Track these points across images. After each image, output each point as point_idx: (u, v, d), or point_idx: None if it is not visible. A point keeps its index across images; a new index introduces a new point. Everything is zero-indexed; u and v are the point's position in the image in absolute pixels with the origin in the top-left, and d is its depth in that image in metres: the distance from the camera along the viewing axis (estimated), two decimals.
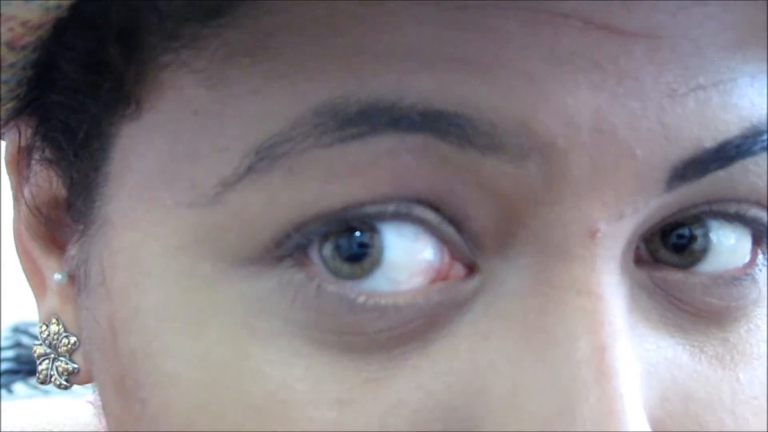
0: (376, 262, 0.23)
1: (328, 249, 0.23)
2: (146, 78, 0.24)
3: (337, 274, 0.23)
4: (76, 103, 0.26)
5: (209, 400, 0.23)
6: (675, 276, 0.25)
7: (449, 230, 0.23)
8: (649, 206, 0.23)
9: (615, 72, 0.22)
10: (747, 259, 0.25)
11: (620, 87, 0.22)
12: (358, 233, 0.23)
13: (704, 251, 0.25)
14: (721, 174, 0.24)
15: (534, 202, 0.22)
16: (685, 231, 0.25)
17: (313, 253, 0.23)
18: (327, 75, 0.22)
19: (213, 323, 0.23)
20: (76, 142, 0.26)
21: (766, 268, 0.26)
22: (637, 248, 0.24)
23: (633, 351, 0.23)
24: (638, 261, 0.24)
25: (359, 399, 0.23)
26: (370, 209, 0.22)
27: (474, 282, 0.23)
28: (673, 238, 0.25)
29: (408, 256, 0.23)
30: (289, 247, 0.23)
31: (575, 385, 0.22)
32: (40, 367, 0.30)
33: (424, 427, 0.23)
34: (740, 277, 0.25)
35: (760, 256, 0.26)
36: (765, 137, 0.24)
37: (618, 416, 0.22)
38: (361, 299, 0.23)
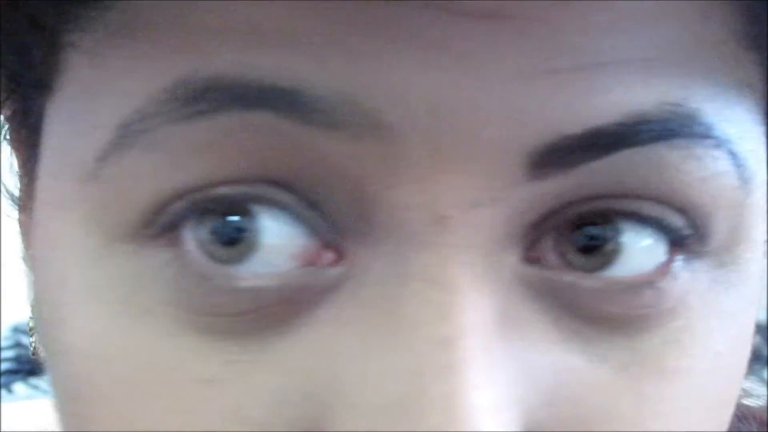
0: (253, 246, 0.23)
1: (203, 232, 0.23)
2: (52, 60, 0.25)
3: (213, 257, 0.23)
4: (14, 85, 0.27)
5: (92, 372, 0.24)
6: (578, 280, 0.24)
7: (310, 214, 0.23)
8: (513, 194, 0.22)
9: (453, 52, 0.21)
10: (658, 264, 0.24)
11: (458, 68, 0.21)
12: (233, 217, 0.23)
13: (614, 254, 0.24)
14: (604, 165, 0.22)
15: (381, 184, 0.22)
16: (594, 231, 0.24)
17: (187, 235, 0.23)
18: (178, 53, 0.22)
19: (99, 298, 0.24)
20: (23, 124, 0.28)
21: (688, 276, 0.24)
22: (535, 246, 0.23)
23: (500, 348, 0.22)
24: (534, 260, 0.23)
25: (220, 380, 0.23)
26: (223, 189, 0.23)
27: (340, 269, 0.23)
28: (582, 239, 0.24)
29: (282, 240, 0.23)
30: (159, 226, 0.23)
31: (416, 377, 0.21)
32: (31, 339, 0.31)
33: (280, 411, 0.23)
34: (650, 284, 0.24)
35: (678, 263, 0.24)
36: (653, 126, 0.22)
37: (458, 411, 0.21)
38: (228, 282, 0.23)
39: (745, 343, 0.26)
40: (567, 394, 0.23)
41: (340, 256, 0.23)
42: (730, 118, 0.24)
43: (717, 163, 0.23)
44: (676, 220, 0.24)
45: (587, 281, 0.24)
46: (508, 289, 0.23)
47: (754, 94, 0.25)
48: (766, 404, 0.42)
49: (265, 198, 0.23)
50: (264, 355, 0.23)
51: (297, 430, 0.23)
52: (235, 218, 0.23)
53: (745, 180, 0.24)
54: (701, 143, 0.23)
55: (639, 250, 0.24)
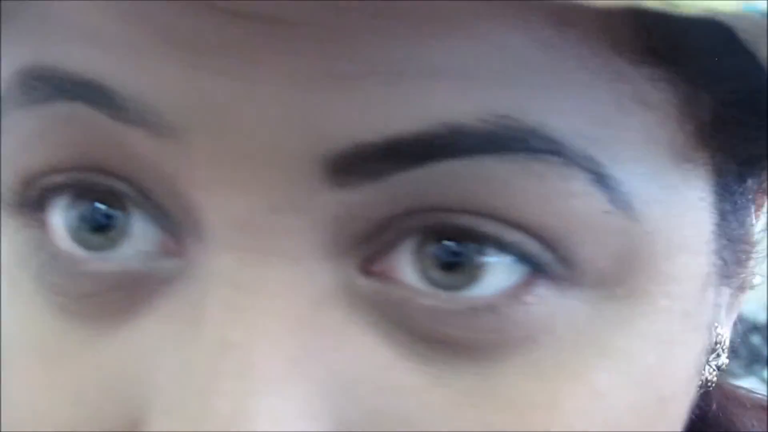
0: (122, 234, 0.24)
1: (72, 217, 0.24)
2: None
3: (81, 242, 0.24)
4: None
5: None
6: (420, 299, 0.23)
7: (147, 204, 0.23)
8: (316, 202, 0.22)
9: (236, 56, 0.21)
10: (507, 288, 0.23)
11: (240, 71, 0.21)
12: (100, 205, 0.24)
13: (475, 274, 0.23)
14: (422, 176, 0.21)
15: (186, 183, 0.22)
16: (452, 247, 0.23)
17: (56, 219, 0.24)
18: (28, 42, 0.23)
19: (3, 264, 0.25)
20: None
21: (552, 304, 0.23)
22: (378, 259, 0.23)
23: (304, 357, 0.22)
24: (375, 273, 0.23)
25: (64, 361, 0.24)
26: (53, 178, 0.24)
27: (179, 262, 0.23)
28: (442, 255, 0.23)
29: (146, 229, 0.24)
30: (24, 206, 0.24)
31: (206, 378, 0.22)
32: None
33: (114, 395, 0.23)
34: (494, 308, 0.22)
35: (541, 290, 0.23)
36: (472, 138, 0.21)
37: (219, 410, 0.21)
38: (74, 266, 0.24)
39: (651, 388, 0.24)
40: (394, 414, 0.22)
41: (181, 249, 0.23)
42: (598, 137, 0.22)
43: (568, 182, 0.22)
44: (524, 241, 0.22)
45: (430, 301, 0.23)
46: (326, 299, 0.23)
47: (652, 112, 0.23)
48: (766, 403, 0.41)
49: (105, 188, 0.24)
50: (106, 338, 0.24)
51: (130, 415, 0.23)
52: (102, 206, 0.24)
53: (623, 205, 0.23)
54: (542, 159, 0.22)
55: (492, 270, 0.23)
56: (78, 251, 0.24)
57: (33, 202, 0.24)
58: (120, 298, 0.24)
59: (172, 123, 0.22)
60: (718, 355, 0.30)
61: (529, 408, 0.23)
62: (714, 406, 0.36)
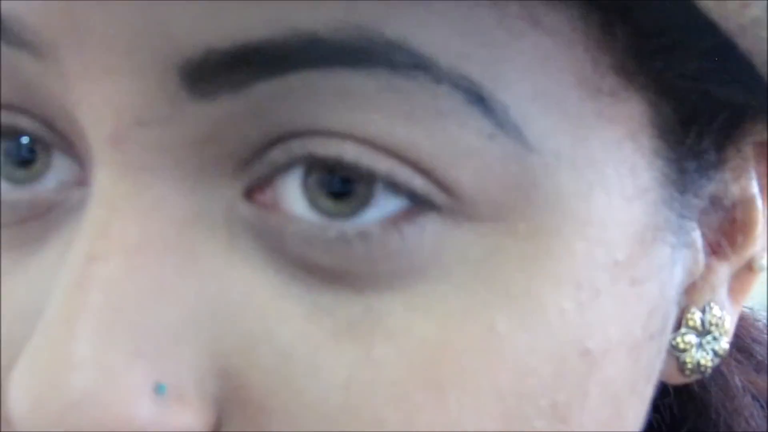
0: (45, 167, 0.24)
1: None
2: None
3: (10, 179, 0.24)
4: None
5: None
6: (300, 227, 0.22)
7: (56, 136, 0.24)
8: (179, 114, 0.21)
9: None
10: (389, 215, 0.22)
11: None
12: (24, 138, 0.24)
13: (356, 203, 0.22)
14: (280, 87, 0.21)
15: (68, 102, 0.22)
16: (325, 181, 0.22)
17: None
18: None
19: None
20: None
21: (438, 235, 0.22)
22: (263, 185, 0.22)
23: (167, 276, 0.22)
24: (259, 200, 0.22)
25: None
26: None
27: (84, 190, 0.23)
28: (320, 186, 0.22)
29: (64, 162, 0.24)
30: None
31: (56, 289, 0.22)
32: None
33: (21, 329, 0.23)
34: (374, 236, 0.22)
35: (425, 220, 0.22)
36: (326, 48, 0.20)
37: (68, 326, 0.21)
38: (4, 196, 0.24)
39: (570, 338, 0.23)
40: (274, 343, 0.22)
41: (87, 177, 0.23)
42: (477, 56, 0.21)
43: (438, 100, 0.21)
44: (396, 169, 0.21)
45: (307, 228, 0.22)
46: (202, 221, 0.22)
47: (549, 36, 0.22)
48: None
49: (23, 127, 0.24)
50: (20, 267, 0.24)
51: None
52: (26, 140, 0.24)
53: (511, 130, 0.22)
54: (407, 75, 0.21)
55: (379, 199, 0.22)
56: (4, 185, 0.24)
57: None
58: (35, 228, 0.24)
59: (47, 40, 0.22)
60: (715, 339, 0.28)
61: (417, 342, 0.22)
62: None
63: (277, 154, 0.22)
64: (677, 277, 0.26)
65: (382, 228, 0.22)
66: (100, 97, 0.22)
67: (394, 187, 0.22)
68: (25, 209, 0.24)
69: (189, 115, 0.22)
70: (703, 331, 0.27)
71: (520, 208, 0.22)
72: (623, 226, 0.23)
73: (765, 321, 0.39)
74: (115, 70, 0.21)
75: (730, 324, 0.28)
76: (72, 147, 0.24)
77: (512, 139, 0.22)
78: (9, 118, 0.24)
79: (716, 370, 0.32)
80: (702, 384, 0.34)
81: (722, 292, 0.28)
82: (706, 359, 0.28)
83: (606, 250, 0.23)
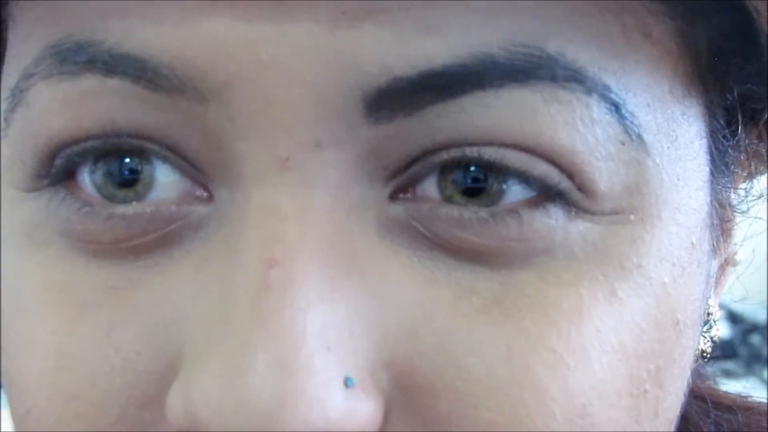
0: (148, 187, 0.25)
1: (99, 175, 0.25)
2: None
3: (111, 199, 0.25)
4: None
5: (3, 302, 0.26)
6: (445, 210, 0.24)
7: (181, 162, 0.24)
8: (356, 137, 0.23)
9: (270, 2, 0.22)
10: (524, 198, 0.24)
11: (276, 14, 0.22)
12: (127, 159, 0.25)
13: (495, 197, 0.24)
14: (453, 108, 0.23)
15: (230, 137, 0.23)
16: (463, 178, 0.24)
17: (82, 177, 0.25)
18: (59, 18, 0.24)
19: (10, 240, 0.26)
20: None
21: (565, 219, 0.24)
22: (409, 188, 0.24)
23: (345, 277, 0.23)
24: (404, 200, 0.24)
25: (97, 304, 0.25)
26: (82, 146, 0.24)
27: (208, 208, 0.24)
28: (463, 182, 0.24)
29: (161, 181, 0.25)
30: (48, 176, 0.25)
31: (234, 295, 0.22)
32: None
33: (150, 339, 0.24)
34: (523, 213, 0.24)
35: (556, 209, 0.24)
36: (500, 68, 0.22)
37: (259, 328, 0.22)
38: (107, 210, 0.25)
39: (667, 306, 0.26)
40: (432, 326, 0.23)
41: (210, 198, 0.24)
42: (611, 68, 0.24)
43: (591, 109, 0.23)
44: (548, 172, 0.23)
45: (453, 210, 0.24)
46: (360, 225, 0.24)
47: (655, 45, 0.25)
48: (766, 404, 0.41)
49: (138, 149, 0.24)
50: (139, 284, 0.24)
51: (166, 359, 0.24)
52: (129, 160, 0.25)
53: (633, 136, 0.24)
54: (566, 87, 0.23)
55: (510, 193, 0.24)
56: (107, 203, 0.25)
57: (56, 173, 0.25)
58: (152, 242, 0.24)
59: (216, 83, 0.23)
60: (710, 327, 0.31)
61: (557, 311, 0.24)
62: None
63: (429, 161, 0.24)
64: (712, 263, 0.29)
65: (527, 206, 0.24)
66: (275, 125, 0.23)
67: (542, 187, 0.24)
68: (141, 222, 0.24)
69: (363, 137, 0.23)
70: (704, 321, 0.31)
71: (633, 202, 0.25)
72: (696, 214, 0.27)
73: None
74: (296, 100, 0.22)
75: (718, 313, 0.32)
76: (194, 167, 0.24)
77: (636, 145, 0.24)
78: (129, 142, 0.24)
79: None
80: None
81: (712, 285, 0.31)
82: (706, 345, 0.31)
83: (687, 233, 0.26)
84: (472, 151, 0.23)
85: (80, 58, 0.23)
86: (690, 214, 0.26)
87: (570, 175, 0.24)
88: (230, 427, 0.21)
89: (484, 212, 0.24)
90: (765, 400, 0.40)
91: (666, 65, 0.25)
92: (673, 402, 0.27)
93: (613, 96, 0.24)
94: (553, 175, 0.24)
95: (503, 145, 0.23)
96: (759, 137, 0.30)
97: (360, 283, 0.23)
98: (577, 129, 0.23)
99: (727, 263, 0.32)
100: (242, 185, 0.23)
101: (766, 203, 0.34)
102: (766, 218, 0.35)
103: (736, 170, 0.30)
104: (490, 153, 0.23)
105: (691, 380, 0.35)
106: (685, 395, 0.28)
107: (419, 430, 0.23)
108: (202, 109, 0.23)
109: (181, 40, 0.23)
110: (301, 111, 0.23)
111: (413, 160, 0.24)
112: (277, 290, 0.22)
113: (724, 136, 0.28)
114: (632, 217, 0.25)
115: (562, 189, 0.24)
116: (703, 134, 0.27)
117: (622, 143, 0.24)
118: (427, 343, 0.23)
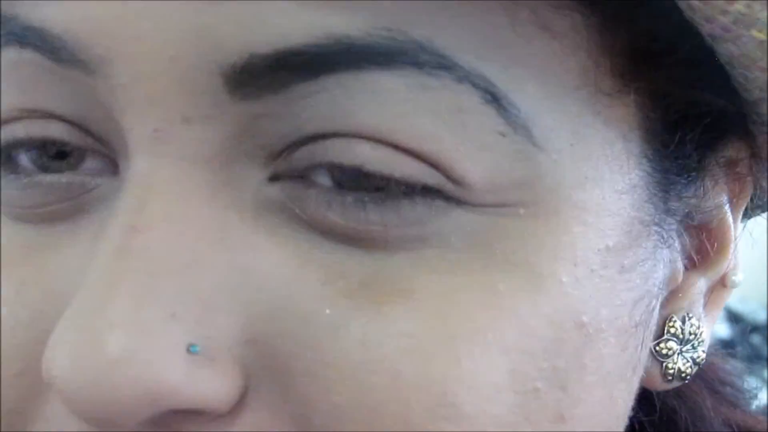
0: (80, 158, 0.26)
1: (33, 152, 0.26)
2: None
3: (45, 170, 0.26)
4: None
5: None
6: (317, 194, 0.24)
7: (88, 141, 0.25)
8: (222, 113, 0.23)
9: None
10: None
11: None
12: (56, 137, 0.26)
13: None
14: (316, 88, 0.23)
15: (115, 110, 0.24)
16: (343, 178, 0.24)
17: (20, 155, 0.26)
18: None
19: None
20: None
21: (440, 209, 0.23)
22: (283, 169, 0.24)
23: (207, 249, 0.23)
24: (279, 180, 0.24)
25: (11, 263, 0.26)
26: (13, 130, 0.26)
27: (114, 180, 0.25)
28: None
29: (95, 156, 0.26)
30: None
31: (96, 259, 0.23)
32: None
33: (50, 301, 0.25)
34: (389, 201, 0.23)
35: (428, 197, 0.23)
36: (359, 50, 0.22)
37: (108, 290, 0.22)
38: (31, 179, 0.26)
39: (567, 308, 0.24)
40: (296, 307, 0.23)
41: (117, 170, 0.25)
42: (492, 57, 0.23)
43: (460, 98, 0.23)
44: (419, 171, 0.23)
45: (325, 194, 0.24)
46: (234, 203, 0.24)
47: (557, 40, 0.24)
48: (766, 404, 0.40)
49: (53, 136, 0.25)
50: (50, 247, 0.26)
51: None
52: (58, 138, 0.26)
53: (521, 129, 0.23)
54: (433, 74, 0.23)
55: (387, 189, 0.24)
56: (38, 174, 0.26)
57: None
58: (66, 209, 0.26)
59: (99, 56, 0.23)
60: (694, 347, 0.29)
61: (425, 297, 0.23)
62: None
63: (302, 156, 0.24)
64: (659, 273, 0.28)
65: (394, 200, 0.23)
66: (146, 99, 0.23)
67: (409, 185, 0.23)
68: (57, 191, 0.26)
69: (230, 113, 0.23)
70: (683, 340, 0.29)
71: (523, 196, 0.24)
72: (614, 217, 0.25)
73: (732, 362, 0.40)
74: (162, 75, 0.23)
75: (706, 335, 0.30)
76: (104, 145, 0.25)
77: (521, 137, 0.24)
78: (36, 127, 0.25)
79: (689, 397, 0.34)
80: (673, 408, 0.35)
81: (699, 305, 0.30)
82: (686, 366, 0.30)
83: (599, 235, 0.25)
84: (335, 152, 0.23)
85: (2, 31, 0.24)
86: (603, 217, 0.25)
87: (436, 164, 0.23)
88: (71, 386, 0.22)
89: (349, 197, 0.23)
90: None
91: (573, 61, 0.24)
92: (592, 410, 0.26)
93: (489, 86, 0.23)
94: (418, 174, 0.23)
95: (362, 137, 0.23)
96: (742, 150, 0.28)
97: (227, 259, 0.23)
98: (442, 117, 0.23)
99: (722, 284, 0.30)
100: (130, 157, 0.24)
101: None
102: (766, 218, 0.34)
103: (701, 181, 0.28)
104: (350, 159, 0.23)
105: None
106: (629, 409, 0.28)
107: (280, 409, 0.23)
108: (92, 81, 0.24)
109: (71, 15, 0.23)
110: (167, 85, 0.23)
111: (287, 147, 0.24)
112: (133, 256, 0.23)
113: (664, 143, 0.26)
114: (522, 211, 0.24)
115: (431, 184, 0.23)
116: (631, 137, 0.26)
117: (502, 135, 0.23)
118: (289, 325, 0.23)
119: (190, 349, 0.22)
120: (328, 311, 0.23)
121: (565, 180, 0.24)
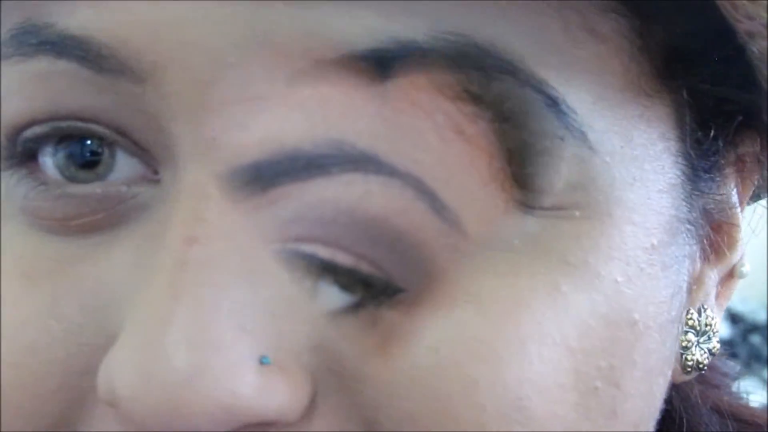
0: (109, 168, 0.25)
1: (61, 157, 0.25)
2: None
3: (73, 180, 0.25)
4: None
5: None
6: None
7: (126, 142, 0.25)
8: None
9: None
10: None
11: None
12: (88, 141, 0.25)
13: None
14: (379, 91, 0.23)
15: (166, 118, 0.23)
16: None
17: (45, 159, 0.25)
18: (19, 3, 0.24)
19: None
20: None
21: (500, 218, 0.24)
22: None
23: (267, 258, 0.23)
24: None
25: (46, 277, 0.25)
26: (36, 129, 0.25)
27: (156, 188, 0.24)
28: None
29: (128, 163, 0.25)
30: (11, 158, 0.26)
31: (155, 272, 0.23)
32: None
33: (92, 314, 0.24)
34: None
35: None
36: (424, 53, 0.22)
37: (172, 304, 0.22)
38: (61, 189, 0.25)
39: (620, 305, 0.25)
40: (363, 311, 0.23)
41: (158, 178, 0.25)
42: (549, 62, 0.23)
43: (524, 103, 0.23)
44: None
45: None
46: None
47: (604, 43, 0.24)
48: (766, 404, 0.41)
49: (87, 131, 0.25)
50: (85, 259, 0.25)
51: (106, 331, 0.24)
52: (91, 142, 0.25)
53: (575, 132, 0.24)
54: (497, 78, 0.23)
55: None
56: (69, 183, 0.25)
57: (20, 153, 0.25)
58: (102, 220, 0.25)
59: (148, 64, 0.23)
60: (709, 338, 0.30)
61: (492, 302, 0.23)
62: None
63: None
64: (688, 268, 0.29)
65: None
66: (202, 106, 0.23)
67: None
68: (92, 202, 0.25)
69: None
70: (700, 331, 0.30)
71: (578, 199, 0.24)
72: (658, 216, 0.26)
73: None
74: (221, 81, 0.22)
75: (719, 325, 0.31)
76: (143, 150, 0.24)
77: (578, 141, 0.24)
78: (79, 126, 0.25)
79: (679, 386, 0.34)
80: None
81: (712, 296, 0.31)
82: (703, 357, 0.30)
83: (646, 234, 0.26)
84: None
85: (34, 40, 0.24)
86: (649, 216, 0.26)
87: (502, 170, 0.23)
88: (140, 402, 0.21)
89: None
90: None
91: (618, 63, 0.25)
92: (638, 405, 0.26)
93: (549, 90, 0.23)
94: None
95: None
96: (752, 144, 0.29)
97: (269, 281, 0.23)
98: (509, 122, 0.23)
99: (731, 275, 0.31)
100: (178, 166, 0.24)
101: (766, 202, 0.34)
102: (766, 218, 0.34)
103: (721, 177, 0.29)
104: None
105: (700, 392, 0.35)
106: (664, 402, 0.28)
107: (349, 414, 0.23)
108: (140, 90, 0.23)
109: (118, 22, 0.23)
110: (226, 92, 0.23)
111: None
112: (195, 268, 0.22)
113: (697, 140, 0.27)
114: (577, 213, 0.24)
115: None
116: (669, 137, 0.26)
117: (561, 139, 0.24)
118: (354, 330, 0.23)
119: (262, 361, 0.22)
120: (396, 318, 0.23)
121: (616, 182, 0.25)
